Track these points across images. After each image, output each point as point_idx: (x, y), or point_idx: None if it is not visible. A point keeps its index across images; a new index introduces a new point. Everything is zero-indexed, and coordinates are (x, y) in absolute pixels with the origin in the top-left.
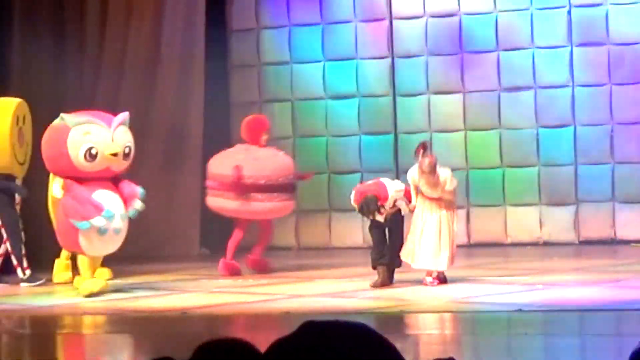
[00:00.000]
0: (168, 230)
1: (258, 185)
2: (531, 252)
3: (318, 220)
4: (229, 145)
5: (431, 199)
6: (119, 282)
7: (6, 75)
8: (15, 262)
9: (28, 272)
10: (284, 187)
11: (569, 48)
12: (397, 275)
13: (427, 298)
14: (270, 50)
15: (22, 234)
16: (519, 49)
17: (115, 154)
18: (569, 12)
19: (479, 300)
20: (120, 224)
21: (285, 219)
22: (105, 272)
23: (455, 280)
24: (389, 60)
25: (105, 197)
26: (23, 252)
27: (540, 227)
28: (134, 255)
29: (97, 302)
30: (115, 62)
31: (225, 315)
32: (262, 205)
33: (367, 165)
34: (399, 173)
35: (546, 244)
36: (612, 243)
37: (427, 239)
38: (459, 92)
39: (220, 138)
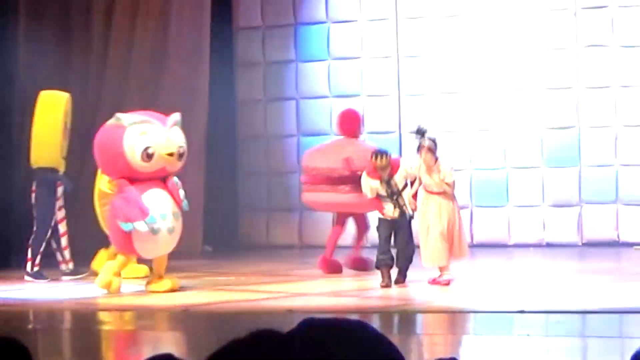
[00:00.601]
0: None
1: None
2: (534, 253)
3: (320, 218)
4: (234, 142)
5: (433, 193)
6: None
7: (13, 71)
8: (29, 255)
9: (71, 265)
10: None
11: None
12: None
13: (429, 298)
14: (276, 48)
15: (65, 228)
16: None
17: (171, 154)
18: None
19: (481, 301)
20: (172, 222)
21: (288, 218)
22: (144, 269)
23: (458, 281)
24: (394, 59)
25: (157, 197)
26: (42, 248)
27: (544, 228)
28: None
29: (99, 298)
30: (122, 59)
31: (227, 313)
32: (351, 197)
33: None
34: None
35: (549, 245)
36: (615, 245)
37: (435, 238)
38: (459, 92)
39: (225, 135)
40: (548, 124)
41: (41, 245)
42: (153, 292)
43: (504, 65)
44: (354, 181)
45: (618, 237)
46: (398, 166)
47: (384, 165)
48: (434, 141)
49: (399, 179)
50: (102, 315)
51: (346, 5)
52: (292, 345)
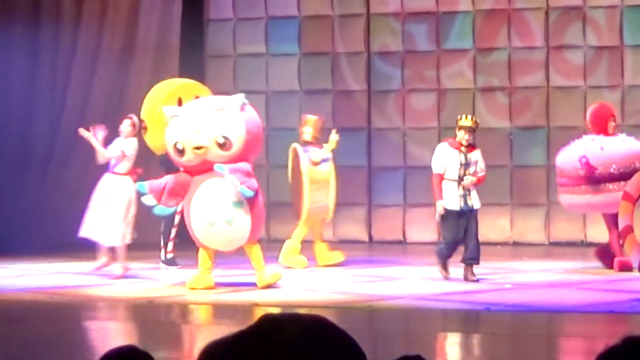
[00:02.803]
0: (139, 218)
1: (609, 174)
2: (501, 251)
3: (281, 211)
4: None
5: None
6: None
7: None
8: (161, 243)
9: (170, 255)
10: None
11: (545, 49)
12: (367, 270)
13: (395, 294)
14: (247, 41)
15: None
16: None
17: (199, 147)
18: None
19: (447, 298)
20: (231, 214)
21: None
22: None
23: (425, 278)
24: (365, 55)
25: (211, 189)
26: (171, 235)
27: (511, 227)
28: None
29: (66, 289)
30: (90, 50)
31: (192, 305)
32: (616, 196)
33: (340, 160)
34: (371, 170)
35: (516, 244)
36: (582, 245)
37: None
38: (434, 90)
39: None
40: (517, 124)
41: (170, 232)
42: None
43: (474, 65)
44: (598, 180)
45: (585, 237)
46: (475, 146)
47: (476, 127)
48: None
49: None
50: (67, 306)
51: (318, 0)
52: (252, 341)
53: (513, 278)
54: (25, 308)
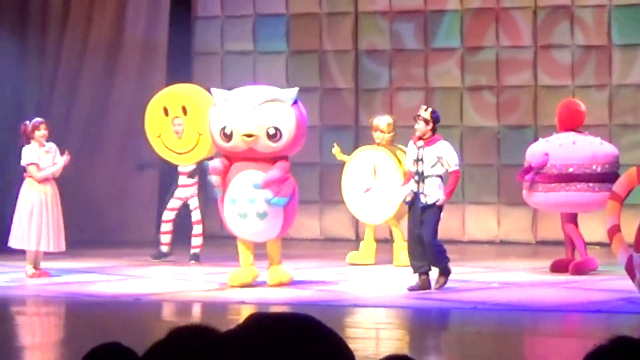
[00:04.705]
0: (124, 215)
1: (566, 174)
2: (488, 250)
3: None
4: None
5: None
6: (72, 266)
7: None
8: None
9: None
10: (600, 177)
11: (533, 48)
12: (353, 268)
13: (381, 293)
14: (235, 38)
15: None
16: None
17: (249, 135)
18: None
19: (434, 297)
20: (264, 207)
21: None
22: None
23: (411, 276)
24: (353, 53)
25: (248, 179)
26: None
27: (498, 226)
28: (88, 240)
29: (50, 285)
30: (77, 46)
31: (178, 303)
32: (567, 196)
33: (327, 159)
34: None
35: (503, 243)
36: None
37: None
38: (422, 88)
39: None
40: (505, 123)
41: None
42: (273, 285)
43: (462, 64)
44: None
45: None
46: (434, 140)
47: (423, 117)
48: None
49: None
50: (52, 303)
51: None
52: (240, 340)
53: (500, 277)
54: (6, 306)
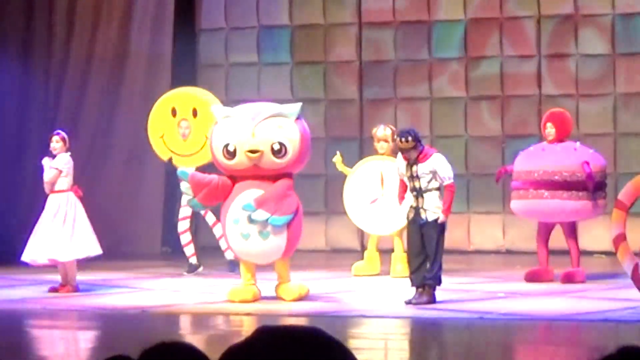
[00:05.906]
0: (130, 228)
1: (544, 181)
2: (494, 259)
3: None
4: None
5: None
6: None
7: None
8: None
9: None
10: (575, 185)
11: (537, 58)
12: (358, 279)
13: (387, 304)
14: (239, 50)
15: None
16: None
17: (254, 151)
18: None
19: (440, 307)
20: (268, 227)
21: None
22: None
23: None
24: (357, 64)
25: (251, 198)
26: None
27: (504, 235)
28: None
29: (57, 298)
30: (83, 60)
31: (185, 315)
32: (545, 204)
33: (332, 170)
34: None
35: (509, 252)
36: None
37: None
38: (426, 98)
39: None
40: (508, 131)
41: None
42: (281, 298)
43: (466, 74)
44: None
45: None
46: (427, 155)
47: (406, 147)
48: None
49: (424, 171)
50: (60, 316)
51: (310, 9)
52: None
53: (506, 287)
54: (18, 318)
